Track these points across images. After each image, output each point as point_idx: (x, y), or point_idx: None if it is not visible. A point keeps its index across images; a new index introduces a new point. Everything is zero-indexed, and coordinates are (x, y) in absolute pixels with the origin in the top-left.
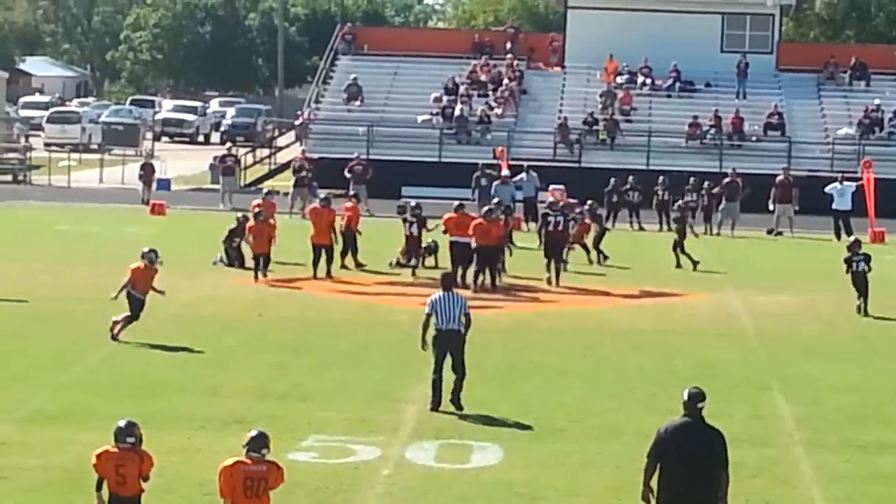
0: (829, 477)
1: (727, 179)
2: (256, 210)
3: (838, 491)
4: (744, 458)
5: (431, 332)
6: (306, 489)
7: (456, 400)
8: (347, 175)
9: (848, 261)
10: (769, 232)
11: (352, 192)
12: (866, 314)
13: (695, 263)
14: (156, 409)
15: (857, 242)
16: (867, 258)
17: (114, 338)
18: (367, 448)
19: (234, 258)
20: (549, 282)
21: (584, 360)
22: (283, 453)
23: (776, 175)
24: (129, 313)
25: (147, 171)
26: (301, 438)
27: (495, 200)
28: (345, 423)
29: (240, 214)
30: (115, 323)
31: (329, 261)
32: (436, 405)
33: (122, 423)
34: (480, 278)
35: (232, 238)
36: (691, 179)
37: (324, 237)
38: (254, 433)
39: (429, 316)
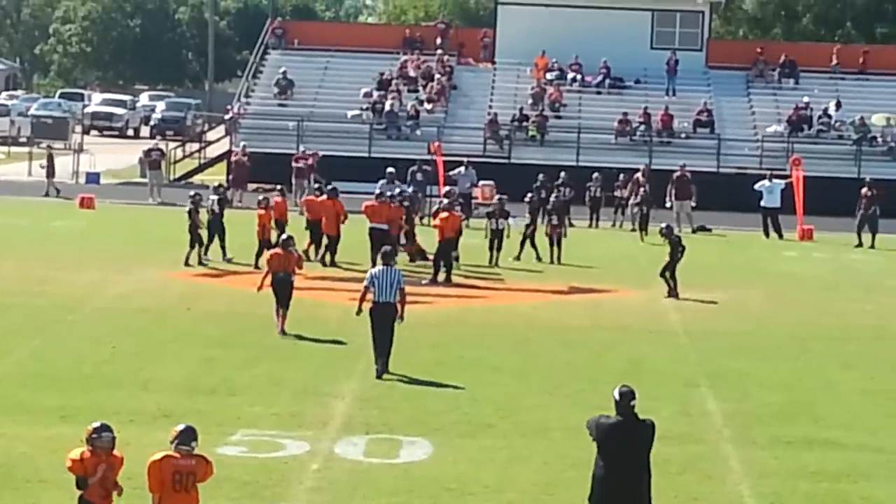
0: (758, 473)
1: (638, 175)
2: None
3: (767, 487)
4: (672, 454)
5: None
6: (235, 483)
7: (383, 370)
8: (295, 166)
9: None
10: (696, 230)
11: (293, 188)
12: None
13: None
14: (84, 402)
15: (669, 228)
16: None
17: (283, 332)
18: (297, 443)
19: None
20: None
21: (514, 355)
22: (212, 448)
23: (674, 171)
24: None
25: (49, 164)
26: (230, 433)
27: (446, 189)
28: (274, 418)
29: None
30: (279, 318)
31: (333, 251)
32: (380, 374)
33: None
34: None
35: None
36: (621, 175)
37: (331, 228)
38: (182, 427)
39: (367, 288)
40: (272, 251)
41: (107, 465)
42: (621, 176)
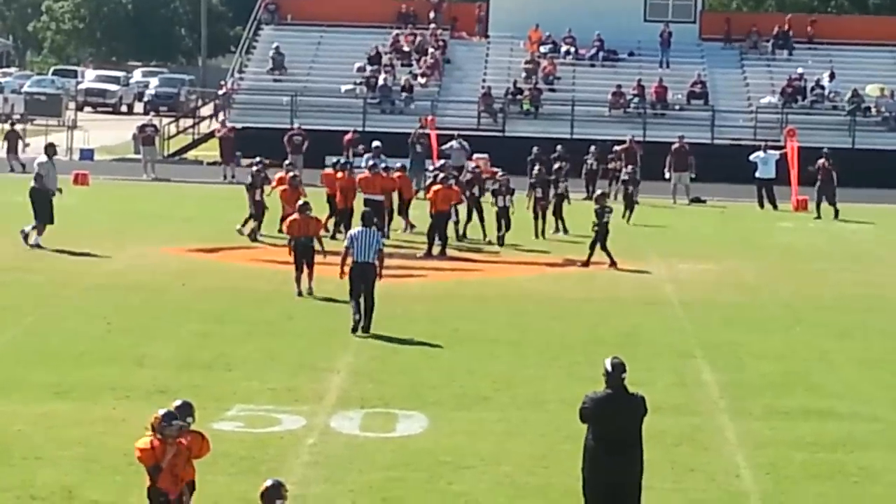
0: (754, 444)
1: (625, 146)
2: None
3: (763, 457)
4: (668, 425)
5: None
6: (232, 458)
7: (366, 326)
8: (286, 144)
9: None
10: (692, 201)
11: (287, 162)
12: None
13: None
14: (79, 379)
15: (604, 195)
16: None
17: (310, 292)
18: (293, 417)
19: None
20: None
21: (509, 328)
22: (209, 423)
23: (672, 143)
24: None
25: (11, 140)
26: (226, 408)
27: (440, 162)
28: (270, 393)
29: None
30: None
31: (347, 225)
32: (356, 329)
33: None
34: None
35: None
36: (615, 148)
37: (346, 201)
38: (178, 402)
39: (347, 249)
40: (290, 217)
41: (175, 451)
42: (615, 148)
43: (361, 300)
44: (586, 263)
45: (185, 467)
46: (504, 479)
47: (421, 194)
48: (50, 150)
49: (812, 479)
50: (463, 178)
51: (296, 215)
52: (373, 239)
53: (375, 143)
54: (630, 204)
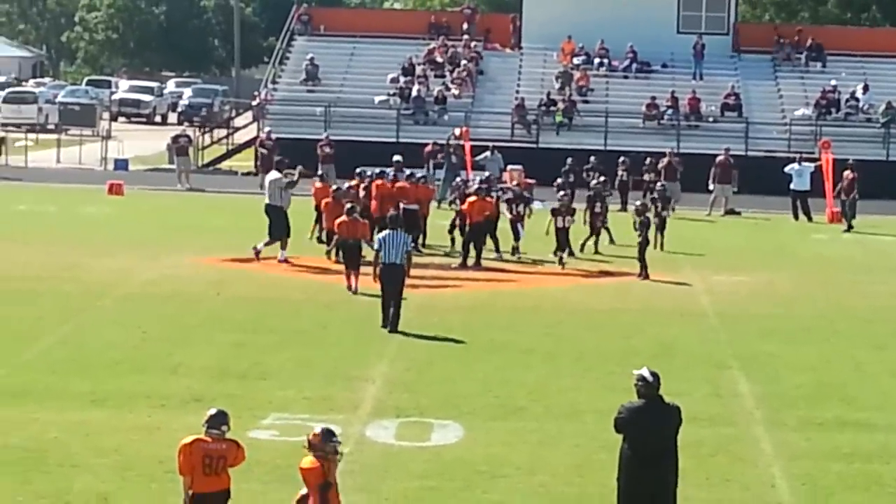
0: (790, 455)
1: (665, 160)
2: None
3: (799, 469)
4: (704, 436)
5: None
6: (267, 467)
7: (394, 327)
8: (319, 154)
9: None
10: (727, 212)
11: (320, 172)
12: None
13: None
14: (114, 387)
15: (644, 206)
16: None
17: (355, 291)
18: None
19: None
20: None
21: (544, 338)
22: (244, 431)
23: (717, 155)
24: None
25: None
26: (261, 417)
27: (484, 174)
28: (305, 402)
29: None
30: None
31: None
32: (385, 324)
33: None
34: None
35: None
36: (647, 159)
37: (384, 210)
38: (213, 411)
39: (377, 251)
40: (339, 220)
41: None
42: (648, 160)
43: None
44: (645, 275)
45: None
46: (539, 488)
47: (445, 204)
48: (281, 165)
49: (848, 490)
50: (505, 196)
51: (344, 217)
52: (400, 240)
53: (396, 158)
54: (660, 224)
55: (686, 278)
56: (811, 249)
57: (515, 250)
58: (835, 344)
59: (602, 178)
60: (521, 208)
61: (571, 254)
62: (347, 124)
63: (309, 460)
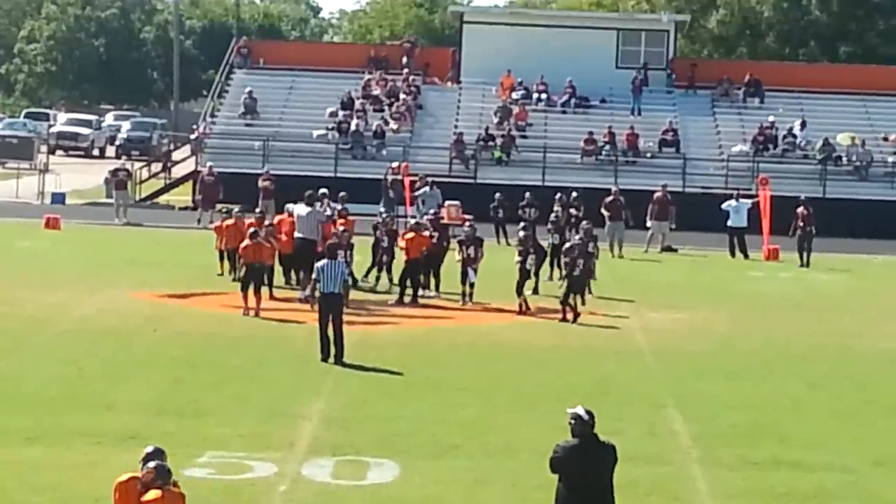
0: (725, 494)
1: (610, 198)
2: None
3: None
4: (639, 475)
5: None
6: None
7: (338, 360)
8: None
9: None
10: (663, 250)
11: (258, 209)
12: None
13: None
14: (51, 424)
15: (572, 248)
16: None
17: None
18: (264, 464)
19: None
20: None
21: (481, 376)
22: (180, 469)
23: (655, 192)
24: None
25: None
26: (197, 454)
27: (430, 210)
28: (241, 440)
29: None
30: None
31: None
32: (325, 356)
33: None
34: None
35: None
36: (573, 194)
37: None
38: (150, 449)
39: (316, 280)
40: (244, 244)
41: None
42: (573, 194)
43: (330, 332)
44: (575, 318)
45: None
46: None
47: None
48: (310, 199)
49: None
50: (458, 237)
51: (247, 241)
52: (338, 270)
53: (322, 190)
54: (586, 274)
55: (622, 315)
56: (748, 287)
57: (466, 296)
58: (771, 382)
59: (534, 214)
60: (471, 250)
61: (535, 291)
62: (286, 158)
63: (154, 493)
